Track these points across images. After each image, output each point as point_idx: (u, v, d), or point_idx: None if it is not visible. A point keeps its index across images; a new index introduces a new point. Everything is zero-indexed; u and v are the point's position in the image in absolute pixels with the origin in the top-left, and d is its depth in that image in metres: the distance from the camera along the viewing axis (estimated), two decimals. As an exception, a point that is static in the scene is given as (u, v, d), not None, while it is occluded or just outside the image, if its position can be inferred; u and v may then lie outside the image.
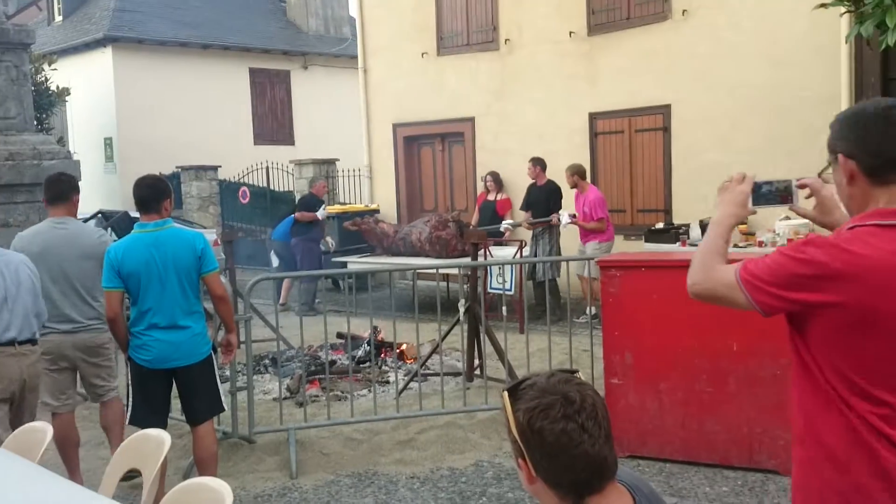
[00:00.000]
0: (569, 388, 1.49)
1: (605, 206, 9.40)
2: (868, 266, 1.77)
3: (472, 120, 12.39)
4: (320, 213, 11.01)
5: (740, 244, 9.14)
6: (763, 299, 1.86)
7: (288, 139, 21.03)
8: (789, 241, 8.77)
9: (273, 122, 21.03)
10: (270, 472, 4.94)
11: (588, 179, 9.87)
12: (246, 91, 20.54)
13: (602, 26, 10.90)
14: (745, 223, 9.56)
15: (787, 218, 9.33)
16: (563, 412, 1.45)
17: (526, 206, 10.10)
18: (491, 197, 11.21)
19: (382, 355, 7.37)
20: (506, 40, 11.86)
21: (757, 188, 2.20)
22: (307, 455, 5.11)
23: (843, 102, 8.88)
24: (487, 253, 9.67)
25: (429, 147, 13.34)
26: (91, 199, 19.26)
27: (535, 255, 9.69)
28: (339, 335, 7.68)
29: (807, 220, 7.54)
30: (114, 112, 18.58)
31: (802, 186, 2.17)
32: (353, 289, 7.23)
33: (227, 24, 20.64)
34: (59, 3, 20.96)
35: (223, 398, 4.41)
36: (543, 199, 9.80)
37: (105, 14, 19.09)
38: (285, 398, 5.94)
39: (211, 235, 14.37)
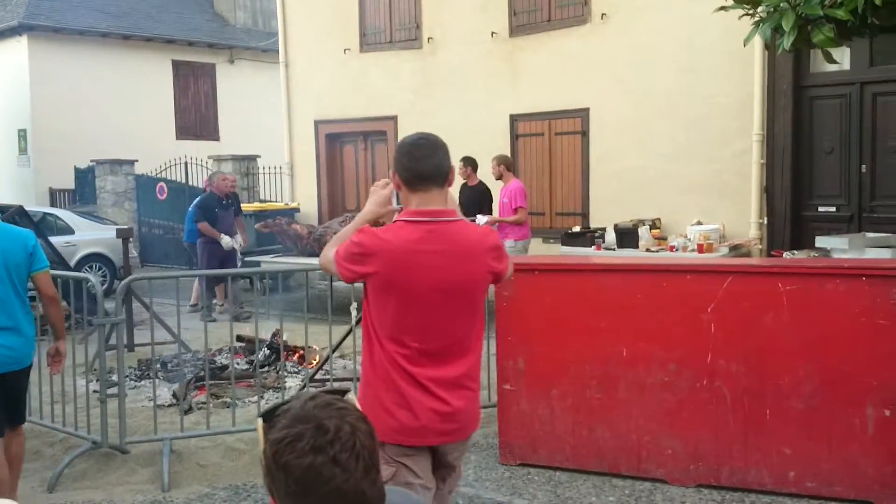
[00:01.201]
0: (325, 415, 1.30)
1: (526, 197, 9.16)
2: (388, 248, 2.57)
3: (394, 118, 12.20)
4: (225, 243, 10.09)
5: (653, 249, 9.14)
6: (341, 271, 2.64)
7: (212, 134, 20.52)
8: (699, 245, 8.81)
9: (197, 117, 20.49)
10: (142, 485, 4.66)
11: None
12: (169, 84, 19.96)
13: (524, 27, 10.83)
14: (658, 228, 9.59)
15: (699, 223, 9.38)
16: (312, 444, 1.26)
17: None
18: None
19: (285, 359, 7.10)
20: (429, 39, 11.71)
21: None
22: (184, 467, 4.84)
23: (756, 108, 8.97)
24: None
25: (351, 145, 13.10)
26: (2, 192, 18.52)
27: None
28: (240, 338, 7.39)
29: (717, 225, 7.48)
30: (28, 103, 17.84)
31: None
32: (266, 290, 6.95)
33: (151, 14, 20.04)
34: (-28, -12, 20.03)
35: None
36: (475, 201, 9.67)
37: (23, 1, 18.33)
38: (171, 405, 5.65)
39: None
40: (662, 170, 9.75)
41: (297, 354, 7.06)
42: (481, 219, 9.13)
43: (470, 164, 9.80)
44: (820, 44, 4.59)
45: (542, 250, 10.22)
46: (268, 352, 7.03)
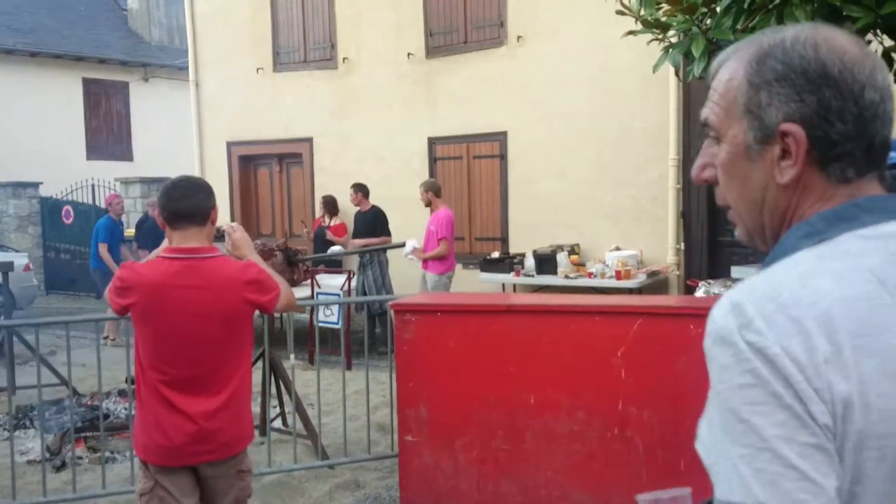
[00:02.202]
0: None
1: (451, 227, 8.76)
2: (145, 282, 2.84)
3: (310, 140, 11.79)
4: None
5: (571, 275, 8.94)
6: (111, 304, 2.90)
7: (126, 154, 19.71)
8: (617, 272, 8.63)
9: (109, 137, 19.66)
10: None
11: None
12: (79, 102, 19.11)
13: (440, 49, 10.57)
14: (577, 254, 9.40)
15: (618, 249, 9.23)
16: None
17: (354, 233, 9.70)
18: (325, 222, 10.62)
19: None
20: (344, 59, 11.35)
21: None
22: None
23: (672, 134, 8.88)
24: (315, 283, 9.07)
25: (266, 168, 12.63)
26: None
27: (363, 286, 9.16)
28: (130, 380, 6.85)
29: (635, 251, 7.26)
30: (-76, 121, 16.82)
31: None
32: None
33: (60, 31, 19.18)
34: None
35: None
36: (368, 225, 9.37)
37: (-83, 14, 17.33)
38: (38, 461, 5.11)
39: (22, 259, 13.11)
40: (581, 194, 9.59)
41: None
42: (408, 246, 8.74)
43: (361, 189, 9.59)
44: (730, 72, 4.39)
45: (462, 276, 9.92)
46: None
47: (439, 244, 8.62)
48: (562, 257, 9.17)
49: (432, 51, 10.63)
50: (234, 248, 3.22)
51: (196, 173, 12.96)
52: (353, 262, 10.04)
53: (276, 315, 9.61)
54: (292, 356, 5.67)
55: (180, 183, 3.01)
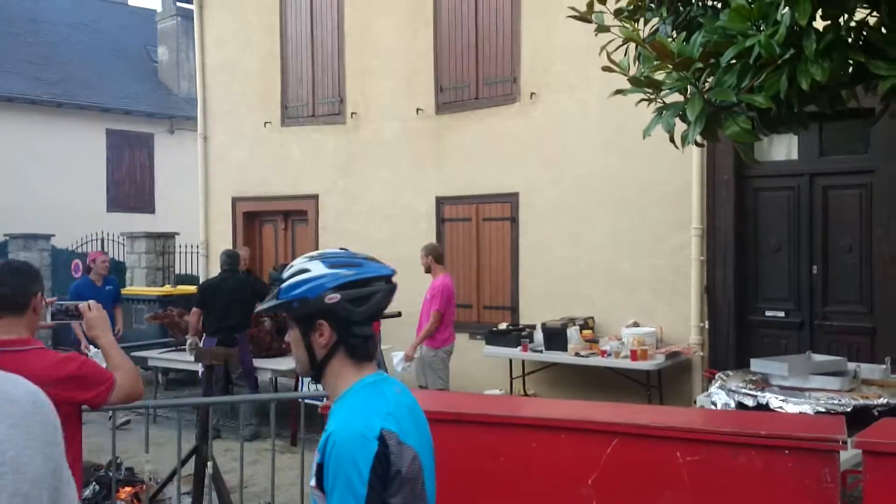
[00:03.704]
0: None
1: (449, 297, 7.81)
2: None
3: (315, 197, 11.22)
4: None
5: (583, 353, 8.12)
6: None
7: (147, 207, 19.47)
8: (633, 352, 7.80)
9: (132, 188, 19.45)
10: None
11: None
12: (102, 153, 18.96)
13: (450, 105, 9.97)
14: (591, 328, 8.58)
15: (636, 324, 8.40)
16: None
17: None
18: None
19: (119, 497, 5.85)
20: (352, 114, 10.82)
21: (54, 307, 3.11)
22: None
23: (695, 199, 8.09)
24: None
25: (271, 225, 12.09)
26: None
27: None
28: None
29: (654, 328, 6.41)
30: (-55, 170, 16.75)
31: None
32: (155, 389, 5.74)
33: (89, 82, 19.16)
34: None
35: None
36: None
37: (-53, 64, 17.42)
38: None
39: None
40: (595, 263, 8.80)
41: (132, 490, 5.84)
42: (396, 362, 7.98)
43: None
44: (733, 137, 3.65)
45: (465, 348, 9.14)
46: (97, 487, 5.80)
47: (431, 316, 7.85)
48: (573, 332, 8.36)
49: (442, 107, 10.03)
50: (87, 329, 2.97)
51: (200, 230, 12.50)
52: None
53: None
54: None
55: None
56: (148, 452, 5.01)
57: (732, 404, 4.90)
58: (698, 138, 3.84)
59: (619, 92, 4.11)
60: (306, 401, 5.72)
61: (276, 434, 5.06)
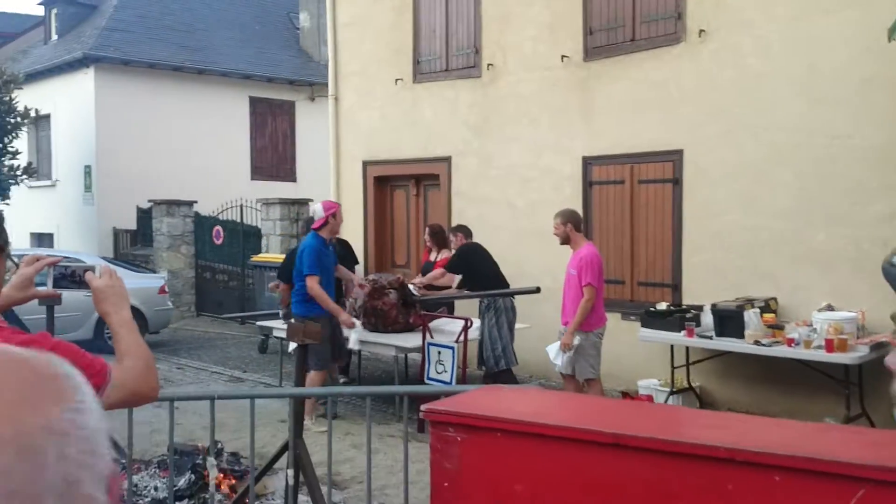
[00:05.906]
0: None
1: (598, 269, 6.60)
2: None
3: (448, 160, 10.23)
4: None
5: (764, 341, 6.73)
6: None
7: (289, 175, 19.19)
8: (828, 341, 6.35)
9: (273, 157, 19.21)
10: None
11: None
12: (245, 122, 18.79)
13: (601, 49, 8.66)
14: (774, 312, 7.14)
15: (830, 308, 6.89)
16: None
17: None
18: (431, 256, 8.84)
19: (218, 484, 5.11)
20: (489, 65, 9.70)
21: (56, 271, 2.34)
22: None
23: (910, 154, 6.47)
24: (427, 331, 7.44)
25: (402, 190, 11.22)
26: (69, 234, 17.72)
27: (482, 337, 7.41)
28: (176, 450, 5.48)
29: (854, 313, 4.86)
30: (94, 138, 16.98)
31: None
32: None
33: (229, 50, 18.99)
34: (55, 21, 19.64)
35: None
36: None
37: (94, 33, 17.64)
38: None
39: (158, 281, 12.49)
40: (779, 233, 7.33)
41: (219, 480, 5.06)
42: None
43: (461, 230, 8.31)
44: None
45: (617, 330, 7.91)
46: (192, 476, 5.08)
47: (584, 292, 6.60)
48: (751, 315, 6.95)
49: (591, 52, 8.74)
50: (95, 302, 2.05)
51: (332, 197, 11.80)
52: (462, 312, 8.23)
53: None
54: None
55: None
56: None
57: None
58: None
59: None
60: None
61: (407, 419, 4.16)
